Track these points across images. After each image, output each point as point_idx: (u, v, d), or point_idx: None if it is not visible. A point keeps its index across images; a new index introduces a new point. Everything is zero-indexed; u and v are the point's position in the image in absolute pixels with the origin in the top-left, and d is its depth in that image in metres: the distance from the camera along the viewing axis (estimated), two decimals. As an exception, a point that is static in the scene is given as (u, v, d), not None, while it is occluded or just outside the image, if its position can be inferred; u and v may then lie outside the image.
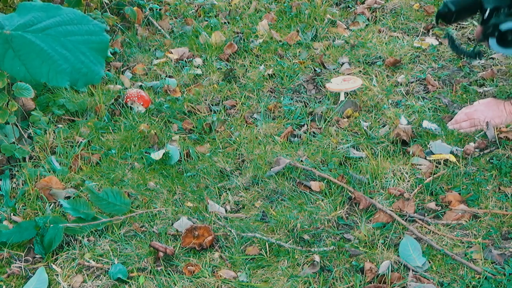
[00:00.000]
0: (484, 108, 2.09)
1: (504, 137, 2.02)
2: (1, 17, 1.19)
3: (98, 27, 1.27)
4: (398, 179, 1.91)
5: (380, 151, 2.03)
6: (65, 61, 1.20)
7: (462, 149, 2.00)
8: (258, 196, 1.92)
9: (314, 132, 2.20)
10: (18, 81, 2.18)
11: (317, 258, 1.61)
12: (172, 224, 1.81)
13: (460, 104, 2.27)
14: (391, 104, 2.33)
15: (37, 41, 1.19)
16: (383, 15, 3.12)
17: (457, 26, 2.90)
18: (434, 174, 1.92)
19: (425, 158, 1.99)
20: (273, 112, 2.34)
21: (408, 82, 2.48)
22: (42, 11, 1.23)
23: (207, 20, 3.30)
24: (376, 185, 1.90)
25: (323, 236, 1.72)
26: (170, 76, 2.73)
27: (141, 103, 2.42)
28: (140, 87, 2.62)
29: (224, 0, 3.53)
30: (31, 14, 1.23)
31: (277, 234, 1.74)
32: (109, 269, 1.65)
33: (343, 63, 2.68)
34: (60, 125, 2.34)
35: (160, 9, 3.45)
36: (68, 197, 1.94)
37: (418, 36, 2.86)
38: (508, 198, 1.79)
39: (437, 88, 2.41)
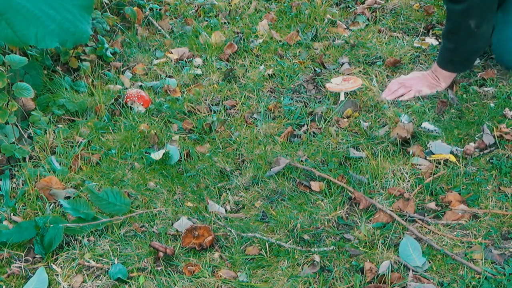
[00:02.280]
0: (416, 80, 2.37)
1: (499, 135, 2.03)
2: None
3: None
4: (398, 179, 1.91)
5: (380, 151, 2.03)
6: (52, 22, 1.17)
7: (462, 149, 2.00)
8: (258, 196, 1.92)
9: (314, 132, 2.20)
10: (18, 81, 2.19)
11: (317, 258, 1.61)
12: (172, 224, 1.81)
13: (462, 103, 2.28)
14: (391, 104, 2.33)
15: (23, 2, 1.16)
16: (383, 15, 3.12)
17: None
18: (434, 174, 1.92)
19: (425, 158, 1.99)
20: (273, 112, 2.34)
21: (408, 82, 2.48)
22: None
23: (207, 20, 3.30)
24: (376, 185, 1.90)
25: (323, 236, 1.72)
26: (170, 76, 2.73)
27: (141, 103, 2.42)
28: (140, 87, 2.62)
29: (224, 0, 3.53)
30: None
31: (277, 234, 1.74)
32: (109, 269, 1.65)
33: (343, 63, 2.68)
34: (60, 125, 2.34)
35: (160, 9, 3.45)
36: (68, 197, 1.94)
37: (418, 36, 2.86)
38: (508, 198, 1.79)
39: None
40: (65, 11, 1.20)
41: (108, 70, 2.81)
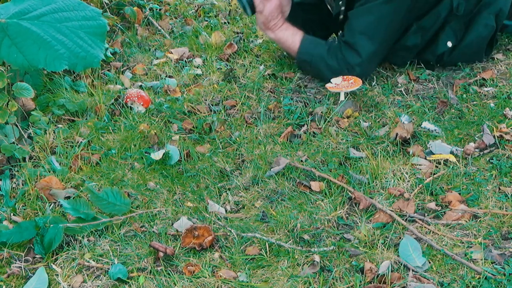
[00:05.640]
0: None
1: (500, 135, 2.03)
2: (-3, 7, 1.19)
3: (95, 12, 1.26)
4: (398, 179, 1.91)
5: (380, 151, 2.03)
6: (62, 46, 1.19)
7: (462, 149, 2.00)
8: (258, 196, 1.92)
9: (314, 132, 2.20)
10: (18, 81, 2.18)
11: (317, 258, 1.61)
12: (172, 224, 1.81)
13: (462, 103, 2.28)
14: (391, 104, 2.34)
15: (33, 28, 1.18)
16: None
17: None
18: (434, 174, 1.92)
19: (425, 158, 1.99)
20: (273, 112, 2.34)
21: (408, 82, 2.48)
22: None
23: (207, 20, 3.30)
24: (376, 185, 1.90)
25: (323, 236, 1.72)
26: (170, 76, 2.73)
27: (141, 103, 2.42)
28: (140, 87, 2.62)
29: (224, 0, 3.53)
30: (26, 2, 1.22)
31: (277, 234, 1.74)
32: (109, 269, 1.65)
33: (343, 63, 2.68)
34: (60, 125, 2.34)
35: (160, 9, 3.45)
36: (68, 197, 1.94)
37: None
38: (508, 198, 1.79)
39: (437, 88, 2.41)
40: (76, 38, 1.22)
41: (108, 70, 2.81)
